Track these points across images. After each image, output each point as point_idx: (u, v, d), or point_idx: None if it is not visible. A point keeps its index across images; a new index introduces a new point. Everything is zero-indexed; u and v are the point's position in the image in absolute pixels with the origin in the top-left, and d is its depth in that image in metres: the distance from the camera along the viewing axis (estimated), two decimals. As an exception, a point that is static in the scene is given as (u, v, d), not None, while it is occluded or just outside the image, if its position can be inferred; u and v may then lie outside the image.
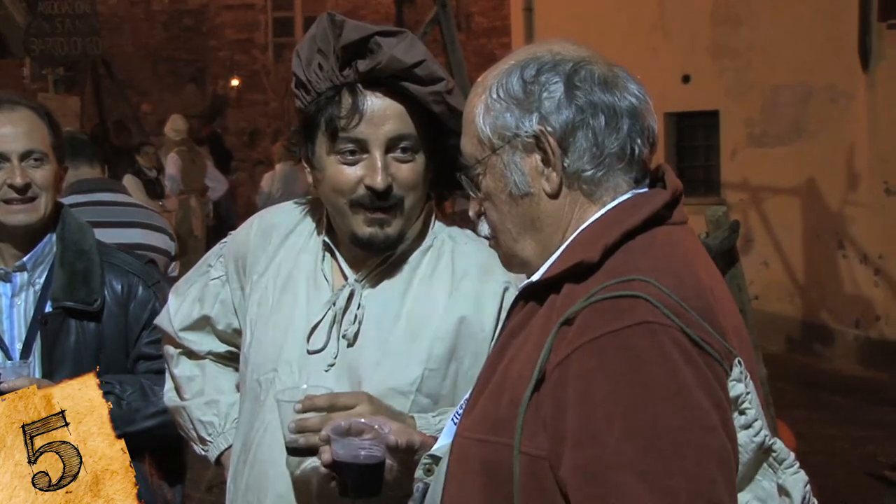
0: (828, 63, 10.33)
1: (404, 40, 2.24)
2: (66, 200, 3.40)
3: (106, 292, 2.96)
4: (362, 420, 2.04)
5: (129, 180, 10.51)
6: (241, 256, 2.48)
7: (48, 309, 2.89)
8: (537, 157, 1.72)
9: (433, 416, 2.22)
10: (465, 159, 1.81)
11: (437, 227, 2.40)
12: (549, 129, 1.69)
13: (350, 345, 2.30)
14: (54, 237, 2.96)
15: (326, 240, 2.40)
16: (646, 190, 1.74)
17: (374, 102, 2.24)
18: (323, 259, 2.39)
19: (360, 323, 2.30)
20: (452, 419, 1.90)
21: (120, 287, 2.99)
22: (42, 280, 2.93)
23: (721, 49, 11.60)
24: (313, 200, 2.48)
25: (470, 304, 2.30)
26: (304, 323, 2.34)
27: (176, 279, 4.84)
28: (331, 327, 2.32)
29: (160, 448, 3.02)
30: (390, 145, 2.25)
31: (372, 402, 2.16)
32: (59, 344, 2.87)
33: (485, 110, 1.75)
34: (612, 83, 1.72)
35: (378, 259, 2.34)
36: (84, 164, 4.63)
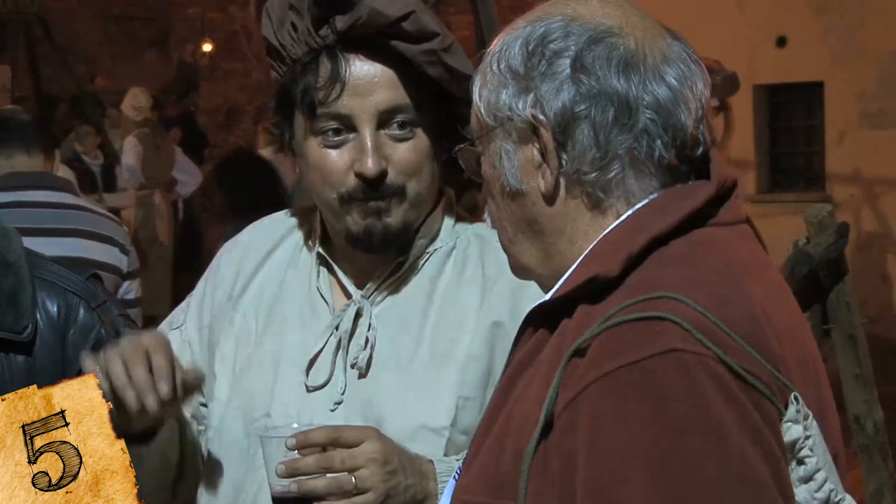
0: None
1: None
2: (-11, 199, 3.38)
3: (38, 316, 2.94)
4: None
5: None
6: (211, 303, 2.50)
7: (-36, 339, 2.88)
8: (534, 148, 1.72)
9: (457, 460, 2.21)
10: (469, 133, 1.87)
11: (459, 226, 2.42)
12: (543, 116, 1.70)
13: (362, 375, 2.31)
14: (-27, 246, 2.94)
15: (321, 251, 2.41)
16: (682, 185, 1.73)
17: (360, 68, 2.26)
18: (318, 275, 2.41)
19: (372, 348, 2.31)
20: (454, 475, 1.92)
21: (56, 309, 2.96)
22: (-43, 301, 2.91)
23: (826, 4, 11.56)
24: (303, 209, 2.51)
25: (505, 308, 2.30)
26: (299, 355, 2.35)
27: (134, 302, 4.85)
28: (335, 356, 2.33)
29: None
30: (383, 120, 2.27)
31: (381, 439, 2.16)
32: (-22, 383, 2.86)
33: (482, 82, 1.79)
34: (637, 65, 1.69)
35: (387, 268, 2.35)
36: (19, 152, 4.55)
